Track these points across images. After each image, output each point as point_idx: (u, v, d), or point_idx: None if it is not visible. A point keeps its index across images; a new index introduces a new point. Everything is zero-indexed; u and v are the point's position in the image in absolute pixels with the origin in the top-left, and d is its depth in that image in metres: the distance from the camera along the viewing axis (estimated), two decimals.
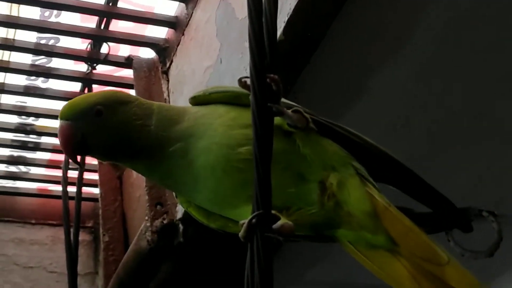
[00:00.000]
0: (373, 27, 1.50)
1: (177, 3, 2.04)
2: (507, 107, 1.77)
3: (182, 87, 1.98)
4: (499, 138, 1.84)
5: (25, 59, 2.17)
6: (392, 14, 1.50)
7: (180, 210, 1.86)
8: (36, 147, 2.52)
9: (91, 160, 2.53)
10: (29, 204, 2.75)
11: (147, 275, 2.07)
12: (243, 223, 0.78)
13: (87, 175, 2.50)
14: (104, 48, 2.16)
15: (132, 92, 2.05)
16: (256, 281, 0.73)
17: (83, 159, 2.22)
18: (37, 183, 2.71)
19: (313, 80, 1.50)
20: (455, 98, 1.71)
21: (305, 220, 0.95)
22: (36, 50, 2.12)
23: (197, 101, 1.08)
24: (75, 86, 2.27)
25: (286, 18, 1.34)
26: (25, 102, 2.33)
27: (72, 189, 2.19)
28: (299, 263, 2.23)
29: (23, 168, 2.64)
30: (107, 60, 2.18)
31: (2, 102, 2.30)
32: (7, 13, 1.99)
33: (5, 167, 2.61)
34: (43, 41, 2.13)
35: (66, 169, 2.18)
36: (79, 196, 2.21)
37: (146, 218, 1.90)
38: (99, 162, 2.53)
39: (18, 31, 2.06)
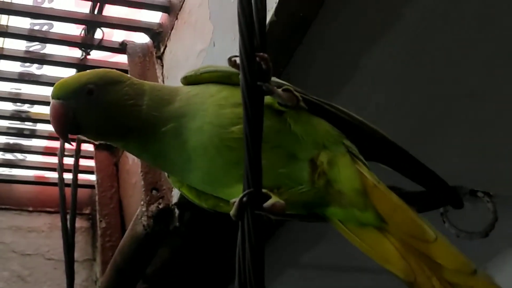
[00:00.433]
0: (364, 6, 1.50)
1: None
2: (500, 83, 1.77)
3: (176, 72, 1.98)
4: (492, 115, 1.84)
5: (19, 45, 2.16)
6: None
7: (175, 195, 1.86)
8: (32, 134, 2.52)
9: (87, 147, 2.53)
10: (26, 191, 2.75)
11: (143, 260, 2.08)
12: (234, 202, 0.78)
13: (83, 162, 2.50)
14: (98, 34, 2.15)
15: None
16: (247, 259, 0.73)
17: (78, 146, 2.23)
18: (33, 171, 2.70)
19: (306, 60, 1.50)
20: (447, 75, 1.70)
21: (296, 198, 0.95)
22: (30, 36, 2.11)
23: (188, 81, 1.08)
24: (70, 72, 2.26)
25: None
26: (20, 89, 2.32)
27: (68, 176, 2.19)
28: (295, 246, 2.24)
29: (19, 156, 2.63)
30: (101, 45, 2.17)
31: None
32: None
33: (1, 154, 2.61)
34: (36, 27, 2.11)
35: (62, 156, 2.18)
36: (75, 183, 2.21)
37: (142, 203, 1.90)
38: (95, 149, 2.53)
39: (12, 17, 2.04)
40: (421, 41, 1.60)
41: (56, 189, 2.22)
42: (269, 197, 0.83)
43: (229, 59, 0.93)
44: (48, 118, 2.37)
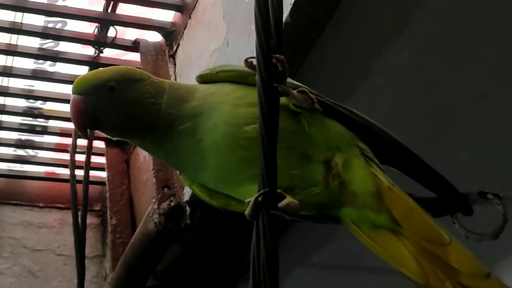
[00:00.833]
0: (378, 7, 1.50)
1: None
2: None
3: (189, 71, 1.99)
4: (503, 118, 1.84)
5: (33, 42, 2.18)
6: None
7: (187, 193, 1.87)
8: (44, 130, 2.54)
9: (98, 144, 2.55)
10: (37, 187, 2.77)
11: (154, 257, 2.09)
12: (249, 201, 0.79)
13: (95, 159, 2.51)
14: (111, 32, 2.17)
15: None
16: (262, 258, 0.74)
17: (90, 143, 2.24)
18: (45, 167, 2.72)
19: (319, 62, 1.51)
20: (459, 77, 1.70)
21: (309, 199, 0.95)
22: (43, 33, 2.13)
23: (204, 79, 1.09)
24: (82, 70, 2.28)
25: (293, 0, 1.34)
26: (33, 86, 2.35)
27: (79, 172, 2.20)
28: (306, 246, 2.25)
29: (31, 152, 2.65)
30: (114, 43, 2.19)
31: (10, 85, 2.32)
32: None
33: (13, 150, 2.63)
34: (50, 25, 2.13)
35: (73, 152, 2.19)
36: (86, 179, 2.22)
37: (154, 200, 1.91)
38: (106, 146, 2.55)
39: (26, 14, 2.06)
40: (434, 43, 1.60)
41: (66, 185, 2.24)
42: (284, 197, 0.83)
43: (246, 60, 0.93)
44: (61, 115, 2.41)
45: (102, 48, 2.21)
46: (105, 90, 1.02)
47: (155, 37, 2.20)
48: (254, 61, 0.82)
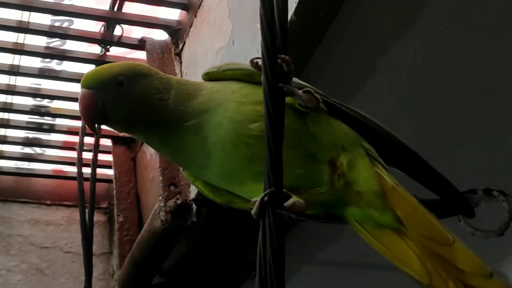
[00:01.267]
0: (383, 6, 1.50)
1: None
2: None
3: (194, 69, 1.99)
4: (509, 115, 1.84)
5: (40, 41, 2.19)
6: None
7: (193, 191, 1.88)
8: (51, 129, 2.55)
9: (105, 142, 2.56)
10: (44, 185, 2.78)
11: (161, 254, 2.10)
12: (255, 201, 0.80)
13: (102, 157, 2.52)
14: (118, 30, 2.18)
15: None
16: (268, 257, 0.75)
17: (97, 141, 2.25)
18: (52, 165, 2.73)
19: (324, 60, 1.51)
20: (464, 75, 1.70)
21: (315, 199, 0.96)
22: (50, 32, 2.14)
23: (210, 77, 1.09)
24: (89, 68, 2.28)
25: None
26: (40, 84, 2.36)
27: (87, 170, 2.21)
28: (312, 244, 2.25)
29: (38, 150, 2.67)
30: (121, 42, 2.20)
31: (17, 84, 2.33)
32: None
33: (21, 148, 2.64)
34: (57, 24, 2.14)
35: (81, 150, 2.20)
36: (93, 177, 2.23)
37: (160, 198, 1.92)
38: (113, 144, 2.56)
39: (33, 13, 2.07)
40: (439, 41, 1.60)
41: (73, 183, 2.25)
42: (290, 197, 0.84)
43: (251, 61, 0.94)
44: (68, 113, 2.41)
45: (108, 46, 2.22)
46: (114, 84, 1.03)
47: (161, 35, 2.20)
48: (260, 62, 0.82)
